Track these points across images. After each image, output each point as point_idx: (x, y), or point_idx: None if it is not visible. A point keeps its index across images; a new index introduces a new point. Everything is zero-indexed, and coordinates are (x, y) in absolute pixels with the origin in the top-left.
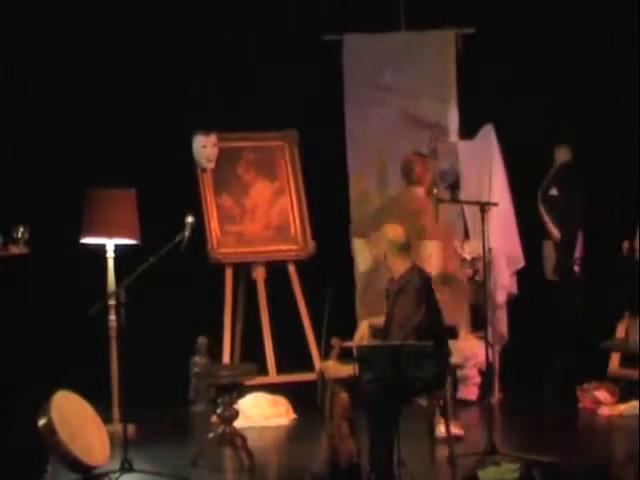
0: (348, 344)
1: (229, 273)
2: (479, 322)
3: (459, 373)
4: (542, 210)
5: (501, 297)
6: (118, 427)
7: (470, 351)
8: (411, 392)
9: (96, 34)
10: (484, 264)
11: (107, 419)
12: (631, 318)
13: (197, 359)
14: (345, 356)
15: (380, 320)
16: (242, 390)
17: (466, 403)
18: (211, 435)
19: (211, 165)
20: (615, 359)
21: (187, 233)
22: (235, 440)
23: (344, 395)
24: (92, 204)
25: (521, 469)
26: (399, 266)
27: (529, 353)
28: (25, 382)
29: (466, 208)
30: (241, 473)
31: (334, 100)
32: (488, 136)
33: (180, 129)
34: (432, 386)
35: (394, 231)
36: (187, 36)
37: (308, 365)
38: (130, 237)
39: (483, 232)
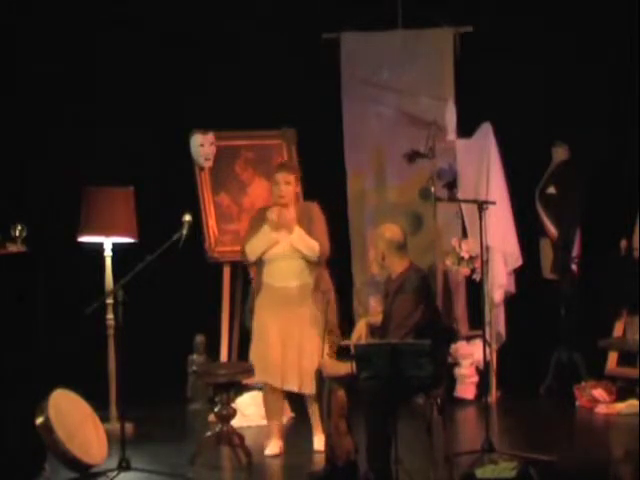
0: (346, 342)
1: (227, 271)
2: (476, 321)
3: (457, 372)
4: (540, 209)
5: (499, 296)
6: (116, 425)
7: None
8: (408, 390)
9: (95, 33)
10: (482, 263)
11: (105, 417)
12: (629, 317)
13: (195, 357)
14: (343, 354)
15: (378, 319)
16: (239, 389)
17: (463, 402)
18: (209, 434)
19: (209, 164)
20: (613, 358)
21: (184, 231)
22: (233, 439)
23: (341, 393)
24: (89, 202)
25: (518, 467)
26: (397, 265)
27: (526, 352)
28: (23, 380)
29: (464, 207)
30: (238, 471)
31: (332, 99)
32: (486, 134)
33: (178, 127)
34: (430, 384)
35: (391, 231)
36: (186, 34)
37: None
38: (128, 235)
39: (481, 231)
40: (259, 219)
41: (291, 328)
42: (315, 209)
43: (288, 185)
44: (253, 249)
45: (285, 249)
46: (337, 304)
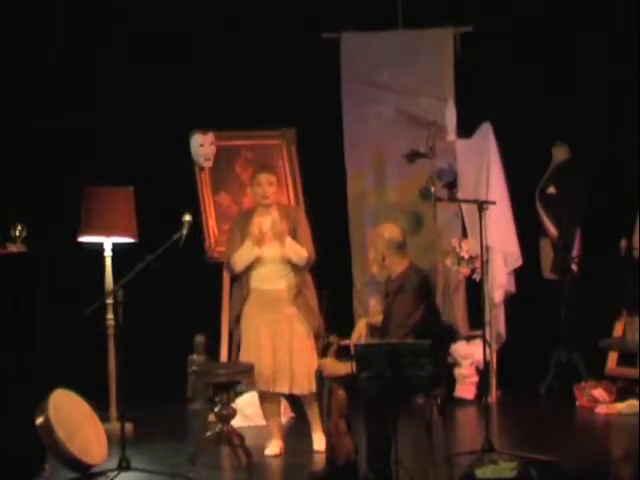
0: (346, 342)
1: (227, 271)
2: (477, 321)
3: (457, 372)
4: (540, 209)
5: (499, 296)
6: (116, 425)
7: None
8: (408, 390)
9: (95, 33)
10: (482, 263)
11: (105, 417)
12: (629, 317)
13: (195, 357)
14: (343, 354)
15: (378, 319)
16: (239, 389)
17: (463, 402)
18: (209, 434)
19: (209, 164)
20: (613, 358)
21: (185, 231)
22: (233, 439)
23: (342, 393)
24: (89, 202)
25: (518, 467)
26: (397, 265)
27: (526, 352)
28: (23, 380)
29: (464, 207)
30: (239, 471)
31: (332, 99)
32: (486, 134)
33: (178, 127)
34: (430, 384)
35: (390, 231)
36: (186, 35)
37: None
38: (128, 236)
39: (481, 231)
40: (240, 224)
41: (281, 329)
42: (300, 214)
43: (271, 186)
44: (238, 262)
45: (272, 255)
46: (320, 308)
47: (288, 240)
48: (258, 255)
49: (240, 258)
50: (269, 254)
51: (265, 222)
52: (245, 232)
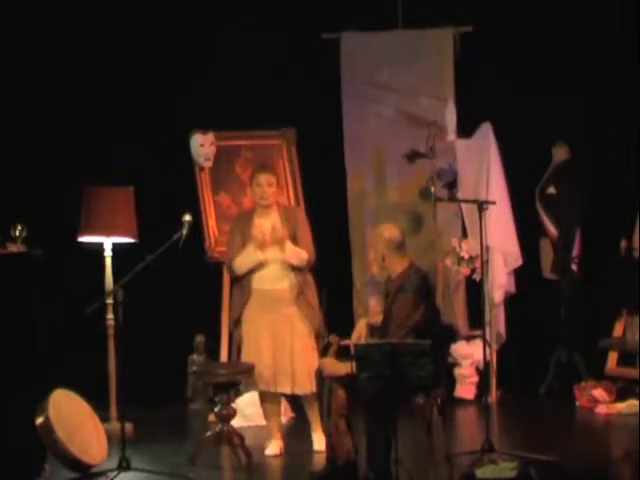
0: (346, 342)
1: (227, 271)
2: (477, 321)
3: (457, 372)
4: (540, 209)
5: (499, 296)
6: (116, 425)
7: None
8: (408, 390)
9: (95, 34)
10: (482, 263)
11: (105, 417)
12: (629, 317)
13: (195, 357)
14: (343, 354)
15: (378, 319)
16: (239, 389)
17: (463, 402)
18: (209, 434)
19: (209, 164)
20: (613, 358)
21: (184, 231)
22: (233, 439)
23: (342, 393)
24: (90, 202)
25: (518, 467)
26: (397, 265)
27: (526, 352)
28: (23, 380)
29: (464, 207)
30: (239, 471)
31: (332, 99)
32: (486, 134)
33: (178, 127)
34: (430, 384)
35: (389, 231)
36: (187, 35)
37: None
38: (128, 236)
39: (481, 231)
40: (240, 225)
41: (282, 329)
42: (300, 214)
43: (270, 187)
44: (240, 266)
45: (274, 258)
46: (322, 307)
47: (288, 245)
48: (262, 261)
49: (243, 262)
50: (270, 257)
51: (265, 224)
52: (245, 234)
